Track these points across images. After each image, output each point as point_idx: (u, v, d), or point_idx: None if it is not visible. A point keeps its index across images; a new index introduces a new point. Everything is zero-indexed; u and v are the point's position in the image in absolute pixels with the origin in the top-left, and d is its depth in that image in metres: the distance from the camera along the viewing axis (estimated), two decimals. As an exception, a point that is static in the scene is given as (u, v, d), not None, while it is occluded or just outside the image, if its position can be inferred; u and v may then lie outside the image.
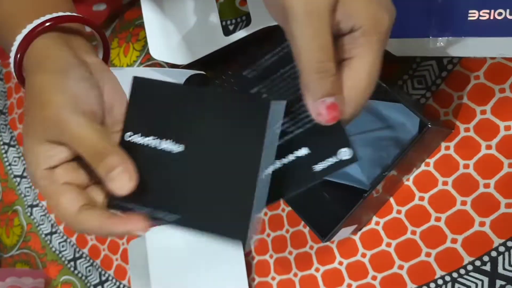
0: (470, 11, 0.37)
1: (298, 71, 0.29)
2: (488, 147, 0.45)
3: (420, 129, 0.39)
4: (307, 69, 0.28)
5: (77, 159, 0.33)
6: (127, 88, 0.34)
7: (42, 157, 0.32)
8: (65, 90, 0.32)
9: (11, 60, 0.35)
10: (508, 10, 0.36)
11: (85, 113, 0.32)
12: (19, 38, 0.34)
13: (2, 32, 0.37)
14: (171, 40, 0.64)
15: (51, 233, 0.79)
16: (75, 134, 0.31)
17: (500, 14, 0.36)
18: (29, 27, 0.34)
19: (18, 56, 0.34)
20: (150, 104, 0.33)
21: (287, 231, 0.56)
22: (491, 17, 0.36)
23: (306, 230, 0.55)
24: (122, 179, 0.30)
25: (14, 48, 0.34)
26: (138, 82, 0.34)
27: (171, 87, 0.33)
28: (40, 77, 0.32)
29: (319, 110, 0.29)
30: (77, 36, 0.36)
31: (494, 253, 0.44)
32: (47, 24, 0.34)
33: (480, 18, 0.37)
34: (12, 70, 0.35)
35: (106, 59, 0.40)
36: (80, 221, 0.31)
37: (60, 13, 0.35)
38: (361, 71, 0.29)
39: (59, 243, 0.77)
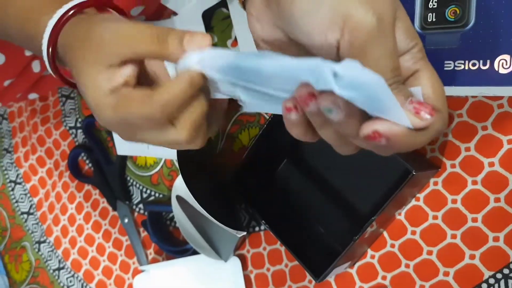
0: (446, 62, 0.39)
1: None
2: (474, 182, 0.47)
3: (406, 174, 0.41)
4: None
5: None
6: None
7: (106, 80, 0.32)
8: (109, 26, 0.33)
9: (44, 49, 0.36)
10: (481, 61, 0.37)
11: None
12: (51, 23, 0.35)
13: (21, 26, 0.37)
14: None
15: (58, 269, 0.80)
16: (130, 35, 0.31)
17: (474, 64, 0.38)
18: (58, 14, 0.35)
19: (51, 45, 0.36)
20: None
21: (286, 265, 0.58)
22: (466, 68, 0.38)
23: (305, 263, 0.56)
24: (198, 35, 0.31)
25: (46, 36, 0.35)
26: None
27: None
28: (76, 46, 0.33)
29: (415, 108, 0.26)
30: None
31: (484, 285, 0.46)
32: (72, 11, 0.35)
33: (456, 68, 0.39)
34: (46, 60, 0.36)
35: None
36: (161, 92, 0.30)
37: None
38: (434, 78, 0.29)
39: (67, 278, 0.79)
